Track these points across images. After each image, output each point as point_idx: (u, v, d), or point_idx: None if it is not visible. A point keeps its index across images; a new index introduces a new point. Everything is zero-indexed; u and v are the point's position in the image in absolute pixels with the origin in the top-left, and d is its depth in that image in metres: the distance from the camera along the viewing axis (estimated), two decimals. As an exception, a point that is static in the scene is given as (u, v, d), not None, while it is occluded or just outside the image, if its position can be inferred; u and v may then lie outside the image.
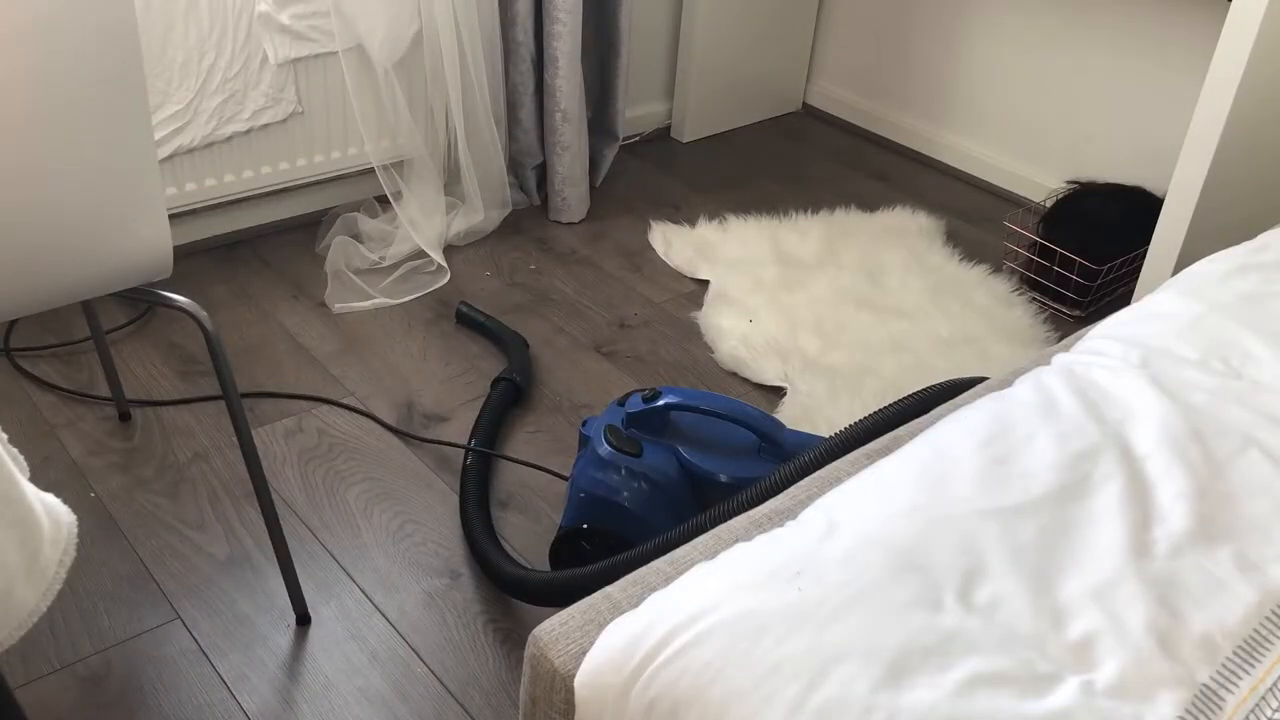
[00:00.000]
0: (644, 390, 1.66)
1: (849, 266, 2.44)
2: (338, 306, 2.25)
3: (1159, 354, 1.26)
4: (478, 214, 2.49)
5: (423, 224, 2.41)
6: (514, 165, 2.60)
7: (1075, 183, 2.51)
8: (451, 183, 2.52)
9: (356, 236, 2.39)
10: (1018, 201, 2.75)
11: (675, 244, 2.53)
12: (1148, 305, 1.40)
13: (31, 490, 0.77)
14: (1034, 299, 2.40)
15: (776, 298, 2.30)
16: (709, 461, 1.58)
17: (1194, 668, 0.89)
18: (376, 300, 2.27)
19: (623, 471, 1.58)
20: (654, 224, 2.60)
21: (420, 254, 2.37)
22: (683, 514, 1.58)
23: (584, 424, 1.70)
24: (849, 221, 2.63)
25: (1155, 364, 1.24)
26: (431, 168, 2.45)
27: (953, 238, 2.61)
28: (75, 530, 0.81)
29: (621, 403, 1.67)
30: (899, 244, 2.54)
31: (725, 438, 1.63)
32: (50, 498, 0.80)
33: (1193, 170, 1.94)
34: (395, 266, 2.36)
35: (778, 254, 2.47)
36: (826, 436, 1.51)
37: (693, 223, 2.62)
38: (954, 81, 2.93)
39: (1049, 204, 2.47)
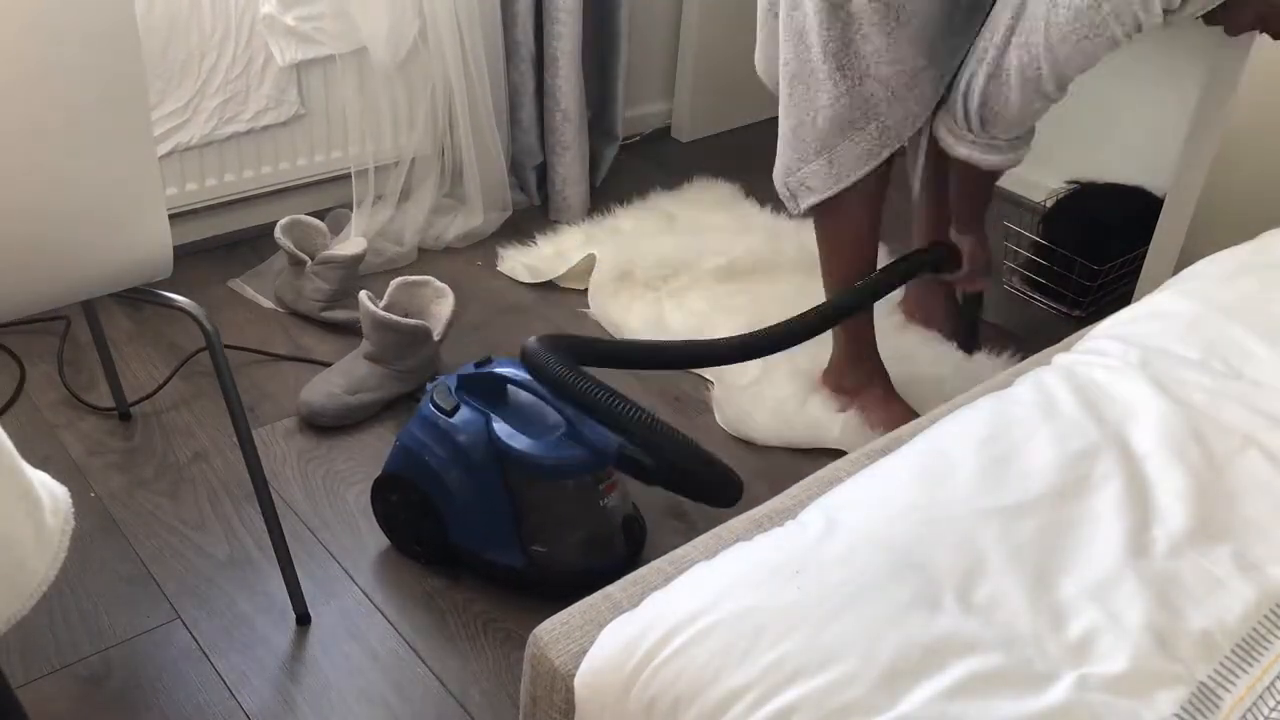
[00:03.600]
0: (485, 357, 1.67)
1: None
2: (232, 282, 2.28)
3: (1159, 354, 1.26)
4: (478, 216, 2.49)
5: (417, 225, 2.42)
6: (514, 166, 2.60)
7: (1075, 183, 2.51)
8: (453, 184, 2.51)
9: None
10: (1016, 201, 2.75)
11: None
12: (1148, 305, 1.40)
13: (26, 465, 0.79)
14: (1033, 299, 2.40)
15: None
16: (514, 436, 1.56)
17: (1192, 666, 0.89)
18: (261, 299, 2.26)
19: (433, 429, 1.60)
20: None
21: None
22: (485, 482, 1.58)
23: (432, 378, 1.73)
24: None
25: (1155, 364, 1.24)
26: (434, 169, 2.45)
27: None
28: (70, 500, 0.82)
29: (478, 364, 1.66)
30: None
31: (547, 417, 1.60)
32: (40, 473, 0.81)
33: (1193, 170, 1.94)
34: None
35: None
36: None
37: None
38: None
39: (1049, 204, 2.47)
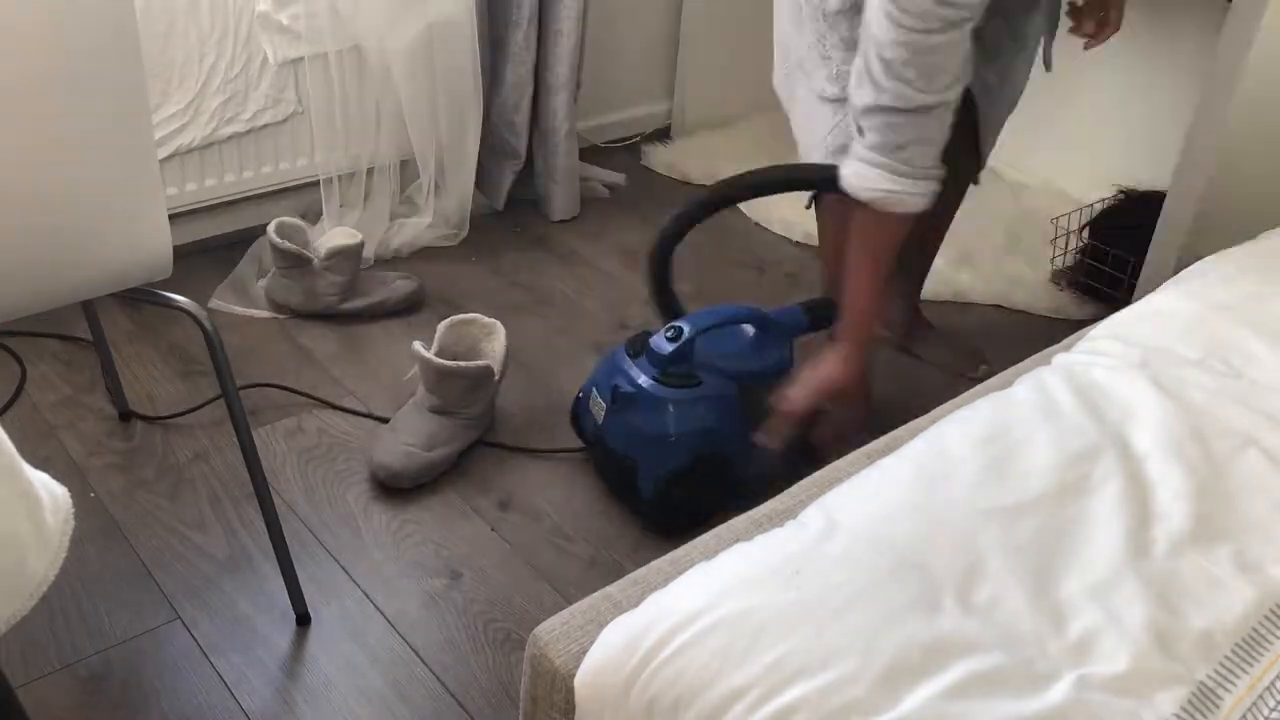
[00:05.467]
0: (660, 331, 1.74)
1: None
2: (213, 303, 2.23)
3: (1159, 354, 1.26)
4: (463, 214, 2.49)
5: (409, 226, 2.43)
6: (504, 165, 2.59)
7: (1123, 192, 2.48)
8: (438, 185, 2.51)
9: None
10: (1064, 197, 2.75)
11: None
12: (1148, 305, 1.40)
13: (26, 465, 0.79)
14: (1085, 301, 2.38)
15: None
16: (744, 362, 1.77)
17: (1192, 666, 0.89)
18: (256, 312, 2.23)
19: (702, 402, 1.71)
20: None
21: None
22: (743, 419, 1.74)
23: (589, 390, 1.80)
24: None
25: (1155, 364, 1.24)
26: (425, 171, 2.46)
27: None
28: (70, 500, 0.82)
29: (635, 351, 1.75)
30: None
31: (733, 340, 1.80)
32: (40, 473, 0.81)
33: (1194, 170, 1.93)
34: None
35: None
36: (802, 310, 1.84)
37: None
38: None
39: (1099, 207, 2.45)
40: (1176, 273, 1.54)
